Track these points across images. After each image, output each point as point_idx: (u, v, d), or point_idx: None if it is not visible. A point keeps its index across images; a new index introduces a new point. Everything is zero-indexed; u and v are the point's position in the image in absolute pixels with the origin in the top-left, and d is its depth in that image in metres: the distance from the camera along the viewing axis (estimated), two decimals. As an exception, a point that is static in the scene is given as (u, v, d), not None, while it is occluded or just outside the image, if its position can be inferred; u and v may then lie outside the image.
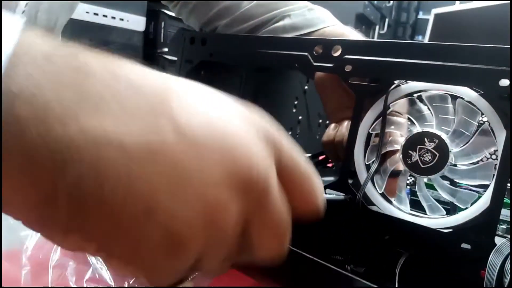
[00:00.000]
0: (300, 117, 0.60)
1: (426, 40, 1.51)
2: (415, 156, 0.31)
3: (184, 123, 0.16)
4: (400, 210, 0.33)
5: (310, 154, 0.62)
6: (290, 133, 0.59)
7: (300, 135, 0.61)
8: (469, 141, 0.31)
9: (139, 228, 0.15)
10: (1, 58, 0.13)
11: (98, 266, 0.25)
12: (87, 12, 0.85)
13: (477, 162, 0.31)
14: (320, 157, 0.61)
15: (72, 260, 0.26)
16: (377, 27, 2.29)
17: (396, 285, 0.30)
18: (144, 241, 0.16)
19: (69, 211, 0.14)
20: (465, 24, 1.33)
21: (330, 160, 0.59)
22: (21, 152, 0.13)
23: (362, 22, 2.18)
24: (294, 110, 0.59)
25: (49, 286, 0.25)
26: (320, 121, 0.66)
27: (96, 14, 0.88)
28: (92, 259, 0.29)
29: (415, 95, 0.33)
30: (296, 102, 0.59)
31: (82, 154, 0.14)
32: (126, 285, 0.21)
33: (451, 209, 0.33)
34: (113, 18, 0.91)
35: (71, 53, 0.15)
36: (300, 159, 0.22)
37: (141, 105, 0.16)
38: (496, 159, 0.29)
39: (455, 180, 0.32)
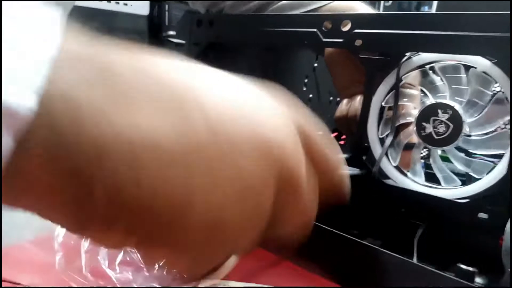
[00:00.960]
0: (311, 95, 0.60)
1: (433, 11, 1.48)
2: (429, 128, 0.31)
3: (215, 119, 0.16)
4: (415, 182, 0.33)
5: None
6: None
7: (311, 113, 0.61)
8: (483, 111, 0.30)
9: (179, 221, 0.16)
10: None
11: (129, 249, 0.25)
12: (91, -2, 0.85)
13: (492, 131, 0.31)
14: (333, 134, 0.61)
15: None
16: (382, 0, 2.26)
17: (415, 257, 0.31)
18: (184, 232, 0.16)
19: (107, 205, 0.14)
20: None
21: (342, 137, 0.59)
22: (55, 150, 0.13)
23: (368, -5, 2.15)
24: (304, 89, 0.59)
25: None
26: (331, 98, 0.65)
27: (99, -1, 0.87)
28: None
29: (428, 66, 0.33)
30: (306, 80, 0.58)
31: (117, 152, 0.14)
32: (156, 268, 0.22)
33: (466, 180, 0.33)
34: (117, 3, 0.91)
35: (97, 53, 0.15)
36: (328, 148, 0.23)
37: (171, 101, 0.16)
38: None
39: (469, 150, 0.32)
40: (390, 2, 2.25)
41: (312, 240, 0.24)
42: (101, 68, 0.15)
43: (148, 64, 0.17)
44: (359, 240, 0.29)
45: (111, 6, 0.90)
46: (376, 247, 0.29)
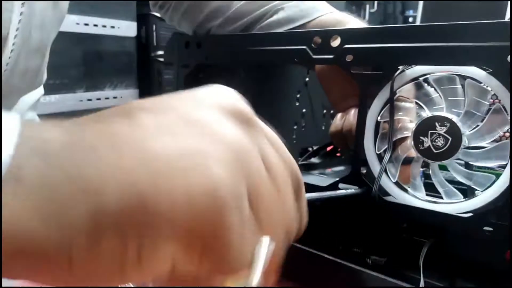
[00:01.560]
0: (304, 110, 0.59)
1: (418, 15, 1.49)
2: (427, 142, 0.30)
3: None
4: (416, 197, 0.32)
5: (318, 146, 0.61)
6: (295, 127, 0.58)
7: (305, 127, 0.60)
8: (481, 121, 0.30)
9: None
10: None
11: None
12: (77, 24, 0.84)
13: (492, 142, 0.30)
14: (328, 148, 0.61)
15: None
16: (367, 6, 2.28)
17: (421, 275, 0.30)
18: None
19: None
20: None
21: (338, 149, 0.58)
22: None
23: (352, 3, 2.16)
24: (297, 104, 0.58)
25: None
26: (325, 111, 0.65)
27: (86, 24, 0.87)
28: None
29: (422, 78, 0.32)
30: (298, 96, 0.58)
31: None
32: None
33: (468, 192, 0.32)
34: (104, 26, 0.90)
35: (68, 140, 0.15)
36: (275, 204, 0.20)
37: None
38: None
39: (470, 163, 0.31)
40: (375, 8, 2.28)
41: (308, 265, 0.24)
42: (74, 151, 0.15)
43: (116, 130, 0.16)
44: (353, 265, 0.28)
45: (99, 30, 0.89)
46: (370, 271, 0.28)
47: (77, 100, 0.76)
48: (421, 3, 1.40)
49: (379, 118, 0.33)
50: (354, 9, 2.22)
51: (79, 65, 0.73)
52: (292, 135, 0.58)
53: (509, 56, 0.27)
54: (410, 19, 2.10)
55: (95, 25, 0.88)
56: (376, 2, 2.31)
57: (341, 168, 0.52)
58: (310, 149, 0.61)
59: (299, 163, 0.59)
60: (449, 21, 0.30)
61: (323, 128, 0.65)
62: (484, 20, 0.28)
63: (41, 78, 0.54)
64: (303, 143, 0.60)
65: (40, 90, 0.59)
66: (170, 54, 0.49)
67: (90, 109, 0.63)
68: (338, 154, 0.60)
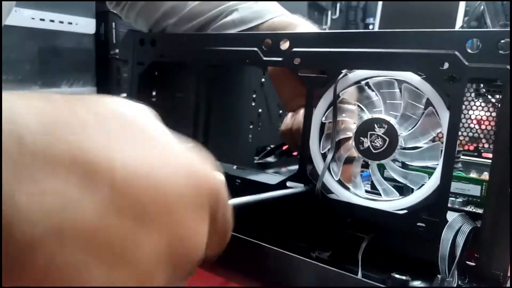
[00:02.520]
0: (260, 110, 0.61)
1: (377, 22, 1.54)
2: (367, 142, 0.32)
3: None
4: (357, 195, 0.34)
5: (273, 145, 0.62)
6: (251, 127, 0.59)
7: (261, 127, 0.62)
8: (416, 124, 0.32)
9: None
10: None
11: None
12: (33, 18, 0.82)
13: (425, 144, 0.32)
14: (284, 147, 0.62)
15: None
16: (329, 12, 2.32)
17: (359, 269, 0.31)
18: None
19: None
20: (412, 4, 1.37)
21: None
22: None
23: (315, 9, 2.20)
24: (253, 104, 0.59)
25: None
26: (281, 112, 0.66)
27: (42, 19, 0.84)
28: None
29: (363, 82, 0.34)
30: (254, 96, 0.59)
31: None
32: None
33: (404, 190, 0.34)
34: (61, 22, 0.88)
35: None
36: (230, 217, 0.23)
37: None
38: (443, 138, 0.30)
39: (407, 163, 0.33)
40: (337, 15, 2.33)
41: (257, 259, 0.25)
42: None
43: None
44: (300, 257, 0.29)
45: (56, 26, 0.88)
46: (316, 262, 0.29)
47: (31, 97, 0.73)
48: (379, 11, 1.46)
49: (323, 119, 0.35)
50: (317, 16, 2.26)
51: (33, 61, 0.71)
52: (248, 134, 0.59)
53: (444, 63, 0.29)
54: (371, 26, 2.16)
55: (52, 21, 0.86)
56: (338, 9, 2.37)
57: (295, 167, 0.53)
58: (268, 148, 0.62)
59: (256, 161, 0.60)
60: (404, 28, 0.32)
61: (279, 128, 0.66)
62: (436, 26, 0.30)
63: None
64: (259, 142, 0.61)
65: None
66: (125, 51, 0.49)
67: None
68: (294, 154, 0.61)
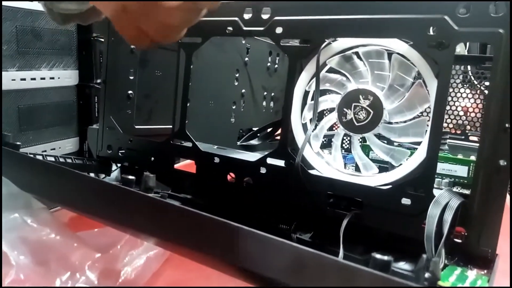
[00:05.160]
0: (243, 90, 0.59)
1: None
2: (350, 114, 0.30)
3: None
4: (339, 171, 0.32)
5: (257, 128, 0.60)
6: (234, 107, 0.57)
7: (245, 108, 0.60)
8: (403, 98, 0.30)
9: None
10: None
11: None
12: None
13: (411, 119, 0.30)
14: (268, 130, 0.60)
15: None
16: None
17: (341, 247, 0.30)
18: None
19: None
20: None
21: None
22: None
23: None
24: (236, 83, 0.57)
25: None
26: (265, 93, 0.64)
27: (20, -2, 0.82)
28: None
29: (352, 51, 0.32)
30: (237, 75, 0.57)
31: None
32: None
33: (389, 169, 0.32)
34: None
35: None
36: None
37: None
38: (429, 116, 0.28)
39: (391, 139, 0.32)
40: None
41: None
42: None
43: None
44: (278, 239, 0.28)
45: (34, 5, 0.84)
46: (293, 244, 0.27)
47: (9, 79, 0.71)
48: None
49: (307, 88, 0.33)
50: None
51: (11, 42, 0.69)
52: (230, 115, 0.57)
53: (429, 27, 0.27)
54: None
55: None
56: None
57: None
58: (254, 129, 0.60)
59: (239, 143, 0.58)
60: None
61: (263, 110, 0.64)
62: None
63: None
64: (243, 124, 0.59)
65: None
66: (101, 26, 0.47)
67: (25, 89, 0.60)
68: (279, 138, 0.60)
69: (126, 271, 0.32)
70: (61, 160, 0.43)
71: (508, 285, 0.31)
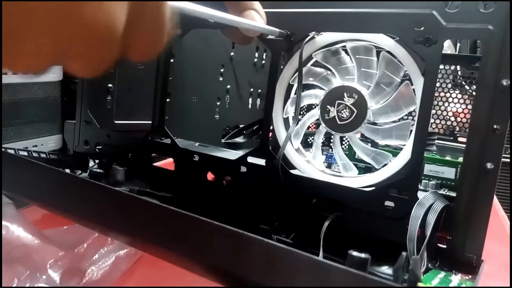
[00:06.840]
0: (228, 86, 0.57)
1: None
2: (333, 112, 0.29)
3: None
4: (321, 171, 0.31)
5: (243, 125, 0.59)
6: (218, 103, 0.56)
7: (230, 105, 0.58)
8: (389, 98, 0.29)
9: None
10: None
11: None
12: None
13: (395, 121, 0.29)
14: (254, 127, 0.59)
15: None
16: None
17: (321, 249, 0.28)
18: None
19: None
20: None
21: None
22: None
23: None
24: (221, 79, 0.55)
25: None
26: (252, 90, 0.63)
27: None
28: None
29: (340, 45, 0.31)
30: (222, 70, 0.55)
31: None
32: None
33: (372, 170, 0.31)
34: None
35: None
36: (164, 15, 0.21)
37: None
38: (414, 119, 0.27)
39: (374, 140, 0.30)
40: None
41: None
42: None
43: None
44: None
45: None
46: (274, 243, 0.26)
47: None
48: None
49: (291, 81, 0.31)
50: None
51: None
52: (214, 110, 0.55)
53: (416, 23, 0.26)
54: None
55: None
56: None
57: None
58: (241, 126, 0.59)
59: (223, 141, 0.57)
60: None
61: (249, 106, 0.63)
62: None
63: None
64: (228, 121, 0.58)
65: None
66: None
67: (6, 84, 0.57)
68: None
69: (92, 270, 0.30)
70: (35, 155, 0.41)
71: (508, 285, 0.30)
